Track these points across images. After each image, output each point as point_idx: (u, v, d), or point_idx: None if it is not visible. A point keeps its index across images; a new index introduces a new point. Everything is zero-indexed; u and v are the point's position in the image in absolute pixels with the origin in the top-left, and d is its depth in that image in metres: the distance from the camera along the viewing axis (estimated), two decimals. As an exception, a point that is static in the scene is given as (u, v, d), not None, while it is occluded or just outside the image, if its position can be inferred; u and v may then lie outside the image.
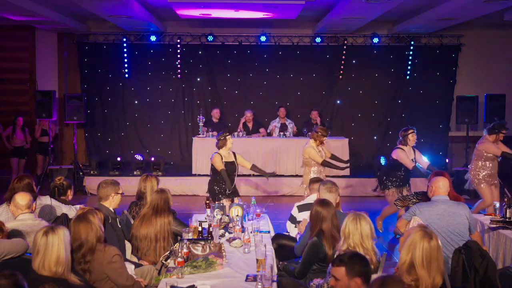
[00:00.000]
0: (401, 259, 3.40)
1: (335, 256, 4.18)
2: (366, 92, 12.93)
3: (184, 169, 11.94)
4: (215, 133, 11.39)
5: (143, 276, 4.57)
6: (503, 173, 12.33)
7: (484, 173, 7.76)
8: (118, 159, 11.81)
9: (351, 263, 3.17)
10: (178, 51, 12.60)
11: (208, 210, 5.90)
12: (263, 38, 12.43)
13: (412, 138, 7.71)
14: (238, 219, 5.44)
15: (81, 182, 11.10)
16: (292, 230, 5.87)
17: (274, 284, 3.89)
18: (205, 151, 10.67)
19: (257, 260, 4.21)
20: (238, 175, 7.42)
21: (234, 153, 7.37)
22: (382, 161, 10.67)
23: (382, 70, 12.98)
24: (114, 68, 12.76)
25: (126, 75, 12.75)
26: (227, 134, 7.29)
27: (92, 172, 11.27)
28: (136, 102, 12.94)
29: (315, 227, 4.56)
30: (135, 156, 11.66)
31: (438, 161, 11.62)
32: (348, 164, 8.69)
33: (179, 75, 12.78)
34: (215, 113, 11.91)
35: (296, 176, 10.97)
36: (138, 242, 5.02)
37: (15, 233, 4.39)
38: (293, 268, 4.62)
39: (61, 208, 5.58)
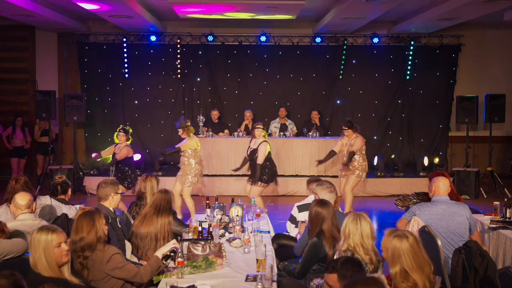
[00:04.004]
0: (392, 273, 3.42)
1: (335, 256, 4.19)
2: (366, 92, 12.92)
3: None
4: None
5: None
6: (503, 173, 12.48)
7: None
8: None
9: (342, 270, 3.15)
10: (178, 51, 12.59)
11: (208, 210, 5.91)
12: (263, 38, 12.43)
13: None
14: (238, 219, 5.44)
15: (81, 182, 11.10)
16: (292, 230, 5.86)
17: (274, 284, 3.88)
18: (204, 151, 10.65)
19: (257, 260, 4.21)
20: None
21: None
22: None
23: (382, 70, 12.97)
24: (114, 68, 12.75)
25: (126, 75, 12.74)
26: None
27: (92, 172, 11.27)
28: (136, 102, 12.94)
29: (315, 228, 4.55)
30: (135, 155, 11.65)
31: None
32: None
33: (179, 75, 12.77)
34: (214, 114, 11.93)
35: (296, 176, 10.97)
36: (138, 241, 5.02)
37: (16, 234, 4.39)
38: (293, 268, 4.62)
39: (61, 208, 5.58)
